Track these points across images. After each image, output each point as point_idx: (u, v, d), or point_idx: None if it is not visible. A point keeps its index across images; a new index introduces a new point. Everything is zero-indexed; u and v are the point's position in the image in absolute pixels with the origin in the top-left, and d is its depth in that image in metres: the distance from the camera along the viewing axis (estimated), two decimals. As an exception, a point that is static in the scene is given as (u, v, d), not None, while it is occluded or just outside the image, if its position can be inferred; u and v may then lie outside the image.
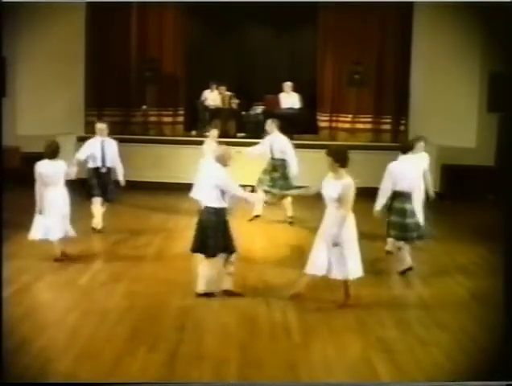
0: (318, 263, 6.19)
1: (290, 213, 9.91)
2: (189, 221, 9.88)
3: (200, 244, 6.49)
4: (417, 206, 8.03)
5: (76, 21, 12.87)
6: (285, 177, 9.76)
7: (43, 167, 7.49)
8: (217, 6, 12.88)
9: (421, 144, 8.33)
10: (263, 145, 10.07)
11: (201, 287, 6.50)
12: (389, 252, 8.08)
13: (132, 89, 13.48)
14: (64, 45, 12.68)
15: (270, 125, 10.11)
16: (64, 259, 7.57)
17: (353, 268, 6.21)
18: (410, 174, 7.42)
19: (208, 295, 6.51)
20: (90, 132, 12.93)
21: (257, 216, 9.95)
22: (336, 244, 6.05)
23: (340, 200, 6.03)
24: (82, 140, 12.79)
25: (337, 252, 6.12)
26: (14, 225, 8.10)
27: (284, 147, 9.92)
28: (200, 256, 6.63)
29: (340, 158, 6.05)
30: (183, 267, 7.55)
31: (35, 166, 7.52)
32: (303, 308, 6.24)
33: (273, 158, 9.91)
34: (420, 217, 8.10)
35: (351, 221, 6.18)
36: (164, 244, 8.70)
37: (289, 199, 9.82)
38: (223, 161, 6.46)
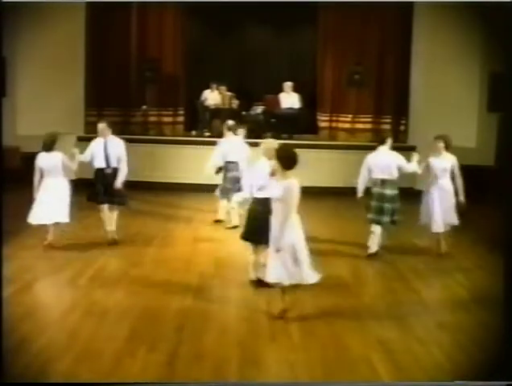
0: (273, 271, 5.91)
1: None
2: (189, 221, 9.94)
3: (248, 233, 6.73)
4: (450, 207, 8.32)
5: (76, 21, 12.86)
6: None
7: (41, 160, 7.88)
8: (217, 6, 12.87)
9: (440, 144, 8.33)
10: (217, 152, 9.60)
11: (252, 275, 6.78)
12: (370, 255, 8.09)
13: (132, 89, 13.48)
14: (64, 45, 12.68)
15: (224, 128, 9.83)
16: (54, 247, 7.80)
17: (307, 273, 5.94)
18: (383, 162, 7.95)
19: (260, 283, 6.58)
20: (90, 132, 12.98)
21: (218, 221, 9.68)
22: (278, 250, 5.81)
23: (282, 202, 5.81)
24: (82, 140, 12.89)
25: (286, 258, 5.85)
26: (14, 225, 8.11)
27: (238, 149, 9.39)
28: (248, 245, 6.84)
29: (282, 160, 5.84)
30: (183, 267, 7.56)
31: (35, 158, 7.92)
32: (303, 308, 6.25)
33: (228, 162, 9.42)
34: (454, 217, 8.31)
35: (296, 224, 5.92)
36: (164, 243, 8.70)
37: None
38: (268, 154, 6.54)
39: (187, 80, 13.91)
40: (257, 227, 6.52)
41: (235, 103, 13.53)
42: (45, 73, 12.62)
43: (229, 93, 13.62)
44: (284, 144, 6.48)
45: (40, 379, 4.66)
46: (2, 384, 4.41)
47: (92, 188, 8.42)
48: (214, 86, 13.50)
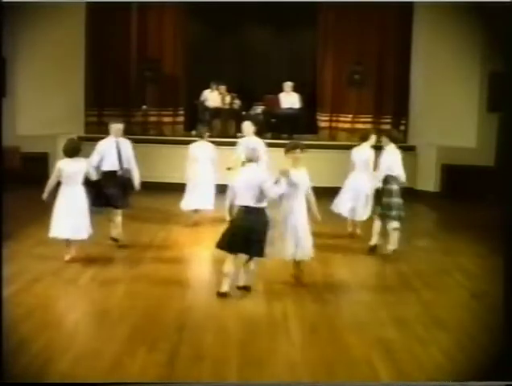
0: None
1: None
2: (189, 221, 9.92)
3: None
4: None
5: (76, 21, 12.87)
6: None
7: (63, 165, 7.42)
8: (217, 6, 12.88)
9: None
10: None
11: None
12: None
13: (132, 89, 13.49)
14: (64, 45, 12.68)
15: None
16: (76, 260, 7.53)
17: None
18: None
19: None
20: (90, 132, 13.01)
21: None
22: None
23: None
24: (82, 140, 12.86)
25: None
26: (14, 225, 8.11)
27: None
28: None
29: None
30: (183, 267, 7.55)
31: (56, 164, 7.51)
32: (303, 307, 6.25)
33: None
34: None
35: None
36: (164, 243, 8.69)
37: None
38: None
39: (187, 80, 13.91)
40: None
41: (236, 103, 13.51)
42: (45, 73, 12.62)
43: (230, 94, 13.59)
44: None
45: (40, 379, 4.66)
46: (2, 384, 4.41)
47: (99, 192, 7.90)
48: (214, 86, 13.49)
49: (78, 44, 12.97)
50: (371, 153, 8.69)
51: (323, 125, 13.79)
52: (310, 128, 13.74)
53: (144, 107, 13.53)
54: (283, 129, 13.20)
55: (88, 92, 13.25)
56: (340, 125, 13.69)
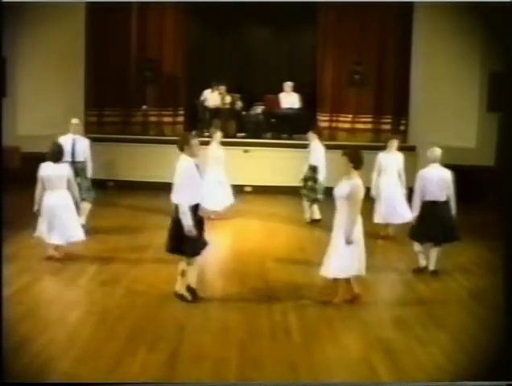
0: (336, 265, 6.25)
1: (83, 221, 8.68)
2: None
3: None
4: None
5: (76, 21, 12.86)
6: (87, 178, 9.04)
7: (45, 170, 7.39)
8: (217, 6, 12.87)
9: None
10: None
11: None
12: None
13: (132, 89, 13.48)
14: (65, 45, 12.67)
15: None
16: (59, 259, 7.56)
17: (358, 266, 6.30)
18: None
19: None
20: (90, 132, 12.99)
21: None
22: (349, 243, 6.15)
23: (348, 199, 6.14)
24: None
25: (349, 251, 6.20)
26: (14, 225, 8.11)
27: (86, 148, 9.05)
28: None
29: (354, 160, 6.22)
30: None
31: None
32: (303, 308, 6.25)
33: (74, 162, 8.79)
34: None
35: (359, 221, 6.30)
36: (164, 244, 8.67)
37: (86, 205, 8.93)
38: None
39: (187, 80, 13.89)
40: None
41: (238, 104, 13.49)
42: (45, 73, 12.61)
43: (229, 93, 13.57)
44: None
45: (40, 379, 4.66)
46: (2, 384, 4.41)
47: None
48: (214, 86, 13.48)
49: (78, 44, 12.95)
50: None
51: (323, 125, 13.75)
52: (310, 128, 13.70)
53: (144, 107, 13.52)
54: (283, 129, 13.21)
55: (88, 92, 13.23)
56: (340, 125, 13.67)
